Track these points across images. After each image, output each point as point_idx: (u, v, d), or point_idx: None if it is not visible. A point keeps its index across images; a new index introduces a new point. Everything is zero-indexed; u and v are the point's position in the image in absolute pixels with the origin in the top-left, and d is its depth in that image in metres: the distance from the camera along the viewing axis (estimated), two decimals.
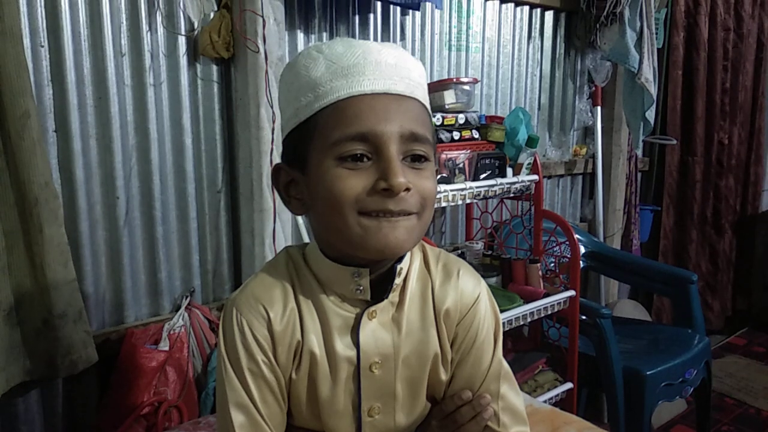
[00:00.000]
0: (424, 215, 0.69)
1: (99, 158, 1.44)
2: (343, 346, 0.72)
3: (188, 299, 1.58)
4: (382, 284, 0.73)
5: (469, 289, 0.78)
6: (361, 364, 0.72)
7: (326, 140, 0.66)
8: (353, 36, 1.86)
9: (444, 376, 0.78)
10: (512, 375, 0.82)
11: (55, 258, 1.29)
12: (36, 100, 1.28)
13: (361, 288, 0.72)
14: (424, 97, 0.72)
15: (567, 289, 1.89)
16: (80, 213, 1.41)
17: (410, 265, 0.77)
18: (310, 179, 0.69)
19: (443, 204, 1.63)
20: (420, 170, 0.68)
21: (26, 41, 1.28)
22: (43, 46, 1.33)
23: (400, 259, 0.74)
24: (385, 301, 0.74)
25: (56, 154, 1.38)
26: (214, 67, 1.59)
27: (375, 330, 0.73)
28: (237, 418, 0.69)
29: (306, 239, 1.65)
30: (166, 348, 1.47)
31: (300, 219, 1.68)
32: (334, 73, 0.67)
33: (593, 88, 2.65)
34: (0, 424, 1.35)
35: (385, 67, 0.67)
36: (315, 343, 0.72)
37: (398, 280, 0.74)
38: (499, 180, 1.76)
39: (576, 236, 1.93)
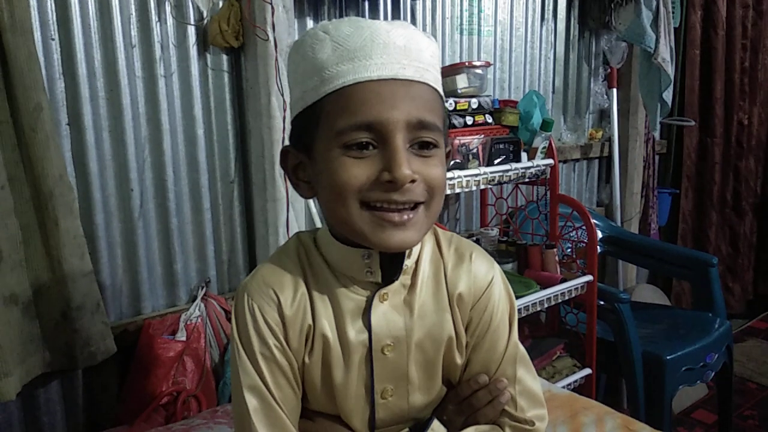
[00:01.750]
0: (432, 204, 0.68)
1: (112, 150, 1.44)
2: (355, 330, 0.72)
3: (204, 290, 1.59)
4: (392, 266, 0.73)
5: (483, 272, 0.77)
6: (373, 347, 0.72)
7: (332, 128, 0.65)
8: None
9: (459, 360, 0.77)
10: (528, 358, 0.81)
11: (72, 250, 1.30)
12: (48, 94, 1.29)
13: (372, 270, 0.71)
14: (435, 80, 0.69)
15: (584, 275, 1.87)
16: (95, 205, 1.42)
17: (422, 248, 0.76)
18: (316, 164, 0.68)
19: (457, 190, 1.62)
20: (427, 158, 0.67)
21: (37, 35, 1.28)
22: (53, 39, 1.33)
23: None
24: (397, 283, 0.73)
25: (70, 147, 1.38)
26: (224, 57, 1.59)
27: (386, 312, 0.72)
28: (251, 401, 0.69)
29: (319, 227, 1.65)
30: (183, 338, 1.48)
31: (313, 208, 1.68)
32: (341, 57, 0.65)
33: (609, 70, 2.61)
34: (22, 415, 1.37)
35: (394, 49, 0.65)
36: (327, 327, 0.72)
37: (408, 262, 0.74)
38: (514, 165, 1.73)
39: (593, 221, 1.91)
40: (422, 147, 0.66)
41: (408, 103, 0.64)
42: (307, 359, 0.72)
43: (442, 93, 0.72)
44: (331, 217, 0.70)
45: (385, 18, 1.89)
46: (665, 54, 2.31)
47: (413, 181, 0.64)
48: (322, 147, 0.66)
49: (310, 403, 0.76)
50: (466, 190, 1.65)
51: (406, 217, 0.66)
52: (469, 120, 1.69)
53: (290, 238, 0.79)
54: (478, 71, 1.75)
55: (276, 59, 1.50)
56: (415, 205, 0.66)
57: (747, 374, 2.67)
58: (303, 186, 0.73)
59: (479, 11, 2.16)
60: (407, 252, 0.73)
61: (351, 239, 0.69)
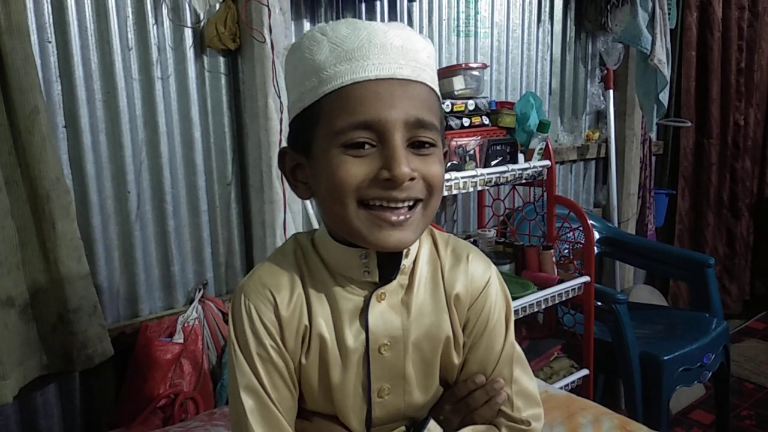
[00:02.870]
0: (430, 202, 0.68)
1: (109, 153, 1.44)
2: (352, 330, 0.72)
3: (201, 292, 1.59)
4: (390, 266, 0.73)
5: (479, 273, 0.77)
6: (370, 346, 0.72)
7: (331, 128, 0.65)
8: None
9: (456, 360, 0.77)
10: (525, 358, 0.81)
11: (69, 253, 1.30)
12: (45, 96, 1.29)
13: (369, 270, 0.72)
14: (432, 80, 0.70)
15: (581, 275, 1.88)
16: (92, 208, 1.42)
17: (419, 249, 0.76)
18: (314, 165, 0.69)
19: (454, 191, 1.62)
20: (426, 156, 0.67)
21: (33, 37, 1.28)
22: (50, 42, 1.33)
23: None
24: (395, 283, 0.73)
25: (66, 150, 1.38)
26: (221, 59, 1.59)
27: (384, 312, 0.73)
28: (247, 402, 0.69)
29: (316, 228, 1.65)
30: (181, 340, 1.48)
31: (310, 209, 1.68)
32: (338, 57, 0.65)
33: (605, 71, 2.62)
34: (19, 418, 1.37)
35: (391, 49, 0.66)
36: (324, 327, 0.72)
37: (406, 262, 0.74)
38: (511, 166, 1.74)
39: (590, 222, 1.91)
40: (420, 146, 0.67)
41: (406, 102, 0.65)
42: (303, 360, 0.72)
43: (438, 93, 0.72)
44: (328, 216, 0.71)
45: (382, 20, 1.90)
46: (661, 55, 2.31)
47: (412, 179, 0.65)
48: (320, 147, 0.67)
49: (306, 403, 0.76)
50: (463, 191, 1.65)
51: (403, 217, 0.66)
52: (466, 121, 1.69)
53: (287, 239, 0.79)
54: (475, 73, 1.76)
55: (273, 61, 1.50)
56: (414, 203, 0.66)
57: (744, 374, 2.68)
58: (301, 187, 0.73)
59: (476, 13, 2.16)
60: (405, 252, 0.73)
61: (348, 239, 0.70)
